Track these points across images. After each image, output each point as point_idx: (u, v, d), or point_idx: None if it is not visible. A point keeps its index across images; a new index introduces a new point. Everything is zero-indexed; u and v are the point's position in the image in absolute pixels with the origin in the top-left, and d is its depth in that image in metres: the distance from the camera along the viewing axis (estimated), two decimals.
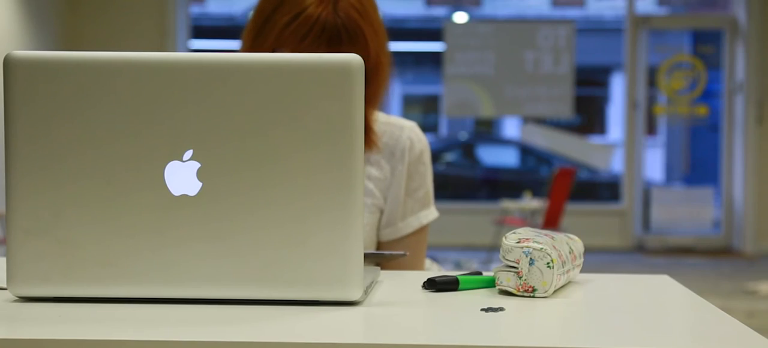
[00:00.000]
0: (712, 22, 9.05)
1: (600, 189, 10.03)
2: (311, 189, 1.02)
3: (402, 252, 1.45)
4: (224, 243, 1.02)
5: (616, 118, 11.64)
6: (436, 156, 10.48)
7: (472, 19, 10.53)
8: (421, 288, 1.17)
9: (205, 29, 11.03)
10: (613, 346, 0.85)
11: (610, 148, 11.08)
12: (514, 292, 1.13)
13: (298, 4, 1.53)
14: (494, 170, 10.90)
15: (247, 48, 1.59)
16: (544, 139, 10.74)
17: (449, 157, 11.01)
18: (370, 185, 1.64)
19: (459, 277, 1.17)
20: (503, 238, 1.18)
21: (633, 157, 8.83)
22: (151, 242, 1.03)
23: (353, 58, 1.02)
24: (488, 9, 11.22)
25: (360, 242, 1.03)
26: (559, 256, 1.16)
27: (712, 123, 9.16)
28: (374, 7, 1.60)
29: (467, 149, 11.43)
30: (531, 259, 1.13)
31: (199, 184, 1.02)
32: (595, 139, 12.29)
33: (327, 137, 1.02)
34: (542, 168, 10.67)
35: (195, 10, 9.91)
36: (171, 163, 1.02)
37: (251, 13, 1.60)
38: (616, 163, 9.97)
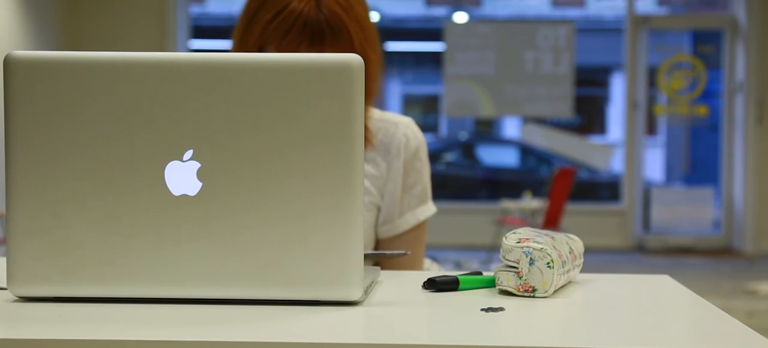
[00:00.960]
0: (712, 22, 9.05)
1: (600, 189, 10.03)
2: (311, 189, 1.02)
3: (403, 251, 1.45)
4: (224, 243, 1.02)
5: (616, 118, 11.64)
6: (436, 156, 10.48)
7: (472, 19, 10.53)
8: (421, 288, 1.17)
9: (205, 29, 11.03)
10: (613, 346, 0.85)
11: (610, 148, 11.08)
12: (514, 292, 1.13)
13: (281, 1, 1.54)
14: (494, 170, 10.90)
15: (236, 47, 1.60)
16: (544, 139, 10.74)
17: (449, 157, 11.01)
18: (367, 183, 1.64)
19: (459, 277, 1.17)
20: (503, 238, 1.18)
21: (633, 157, 8.83)
22: (151, 242, 1.03)
23: (353, 58, 1.02)
24: (488, 9, 11.22)
25: (360, 242, 1.03)
26: (559, 256, 1.16)
27: (712, 123, 9.16)
28: (361, 4, 1.60)
29: (467, 149, 11.43)
30: (531, 259, 1.13)
31: (199, 184, 1.02)
32: (595, 139, 12.29)
33: (327, 137, 1.02)
34: (542, 168, 10.67)
35: (195, 10, 9.91)
36: (171, 163, 1.02)
37: (240, 13, 1.61)
38: (616, 163, 9.97)
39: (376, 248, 1.69)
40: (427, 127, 12.12)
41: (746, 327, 0.93)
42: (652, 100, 8.95)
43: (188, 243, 1.03)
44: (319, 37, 1.53)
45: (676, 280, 1.29)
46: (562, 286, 1.18)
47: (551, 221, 6.99)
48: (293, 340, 0.86)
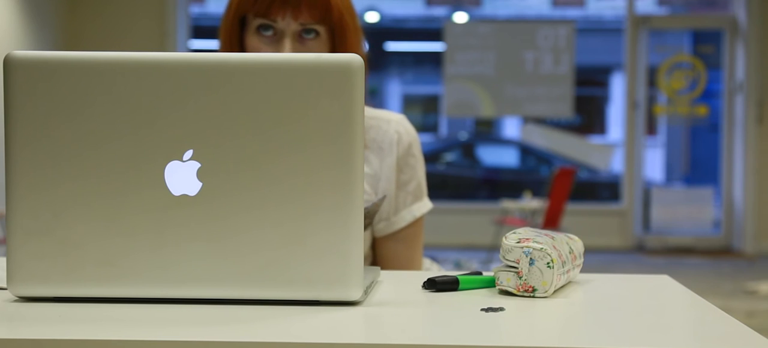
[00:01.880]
0: (712, 22, 9.05)
1: (600, 189, 10.03)
2: (311, 189, 1.02)
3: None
4: (224, 243, 1.02)
5: (616, 118, 11.64)
6: (436, 156, 10.47)
7: (472, 19, 10.53)
8: (421, 288, 1.17)
9: (205, 29, 11.03)
10: (613, 346, 0.85)
11: (610, 148, 11.08)
12: (514, 292, 1.13)
13: None
14: (494, 170, 10.90)
15: (221, 31, 1.62)
16: (544, 139, 10.74)
17: (449, 157, 11.01)
18: None
19: (459, 277, 1.17)
20: (503, 238, 1.18)
21: (633, 157, 8.83)
22: (151, 242, 1.03)
23: (353, 58, 1.02)
24: (488, 9, 11.22)
25: (360, 242, 1.03)
26: (559, 256, 1.16)
27: (712, 123, 9.16)
28: None
29: (467, 149, 11.43)
30: (531, 259, 1.13)
31: (199, 184, 1.02)
32: (595, 139, 12.29)
33: (327, 137, 1.02)
34: (542, 168, 10.67)
35: (195, 10, 9.92)
36: (171, 163, 1.02)
37: None
38: (616, 163, 9.97)
39: (372, 247, 1.68)
40: (427, 127, 12.12)
41: (746, 327, 0.93)
42: (652, 100, 8.95)
43: (188, 243, 1.03)
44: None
45: (676, 280, 1.29)
46: (562, 286, 1.18)
47: (551, 221, 6.99)
48: (293, 340, 0.86)
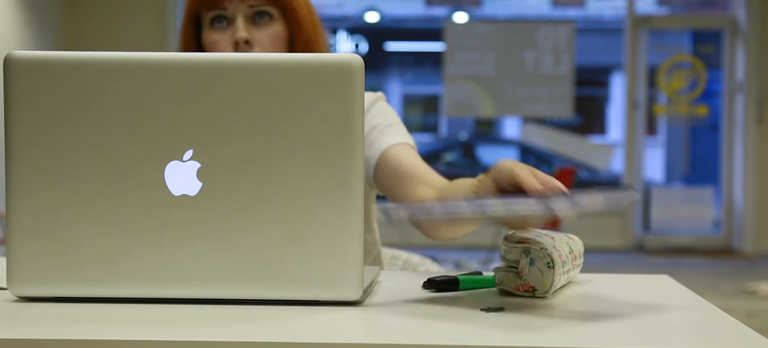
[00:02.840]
0: (712, 22, 9.05)
1: (600, 189, 10.01)
2: (311, 189, 1.02)
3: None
4: (224, 243, 1.02)
5: (616, 118, 11.64)
6: (436, 156, 10.47)
7: (472, 19, 10.53)
8: (421, 288, 1.17)
9: None
10: (613, 346, 0.85)
11: (610, 148, 11.08)
12: (514, 292, 1.13)
13: None
14: None
15: (179, 45, 1.63)
16: (544, 139, 10.74)
17: (449, 157, 11.01)
18: None
19: (459, 277, 1.17)
20: (503, 238, 1.18)
21: (633, 157, 8.83)
22: (151, 242, 1.03)
23: (353, 59, 1.02)
24: (488, 9, 11.22)
25: (360, 242, 1.03)
26: (559, 256, 1.16)
27: (712, 123, 9.17)
28: None
29: (467, 149, 11.43)
30: (531, 259, 1.13)
31: (199, 184, 1.02)
32: (595, 139, 12.29)
33: (327, 137, 1.02)
34: (542, 168, 10.63)
35: None
36: (171, 163, 1.02)
37: None
38: (616, 163, 9.97)
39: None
40: (427, 127, 12.12)
41: (746, 327, 0.93)
42: (652, 100, 8.96)
43: (188, 243, 1.03)
44: None
45: (676, 280, 1.29)
46: (562, 286, 1.18)
47: (551, 221, 6.99)
48: (293, 340, 0.86)
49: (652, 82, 8.83)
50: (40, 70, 1.03)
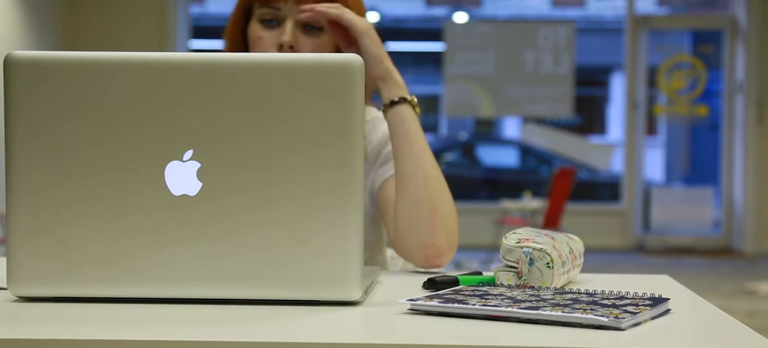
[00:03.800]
0: (712, 22, 9.05)
1: (600, 189, 10.03)
2: (311, 189, 1.02)
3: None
4: (224, 243, 1.02)
5: (616, 118, 11.64)
6: (436, 156, 10.46)
7: (472, 19, 10.54)
8: (421, 288, 1.17)
9: (205, 29, 11.04)
10: (613, 345, 0.85)
11: (610, 148, 11.08)
12: None
13: None
14: (494, 170, 10.91)
15: (226, 31, 1.61)
16: (544, 139, 10.75)
17: (449, 157, 11.01)
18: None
19: (459, 277, 1.17)
20: (503, 239, 1.18)
21: (633, 157, 8.83)
22: (151, 242, 1.03)
23: (353, 59, 1.02)
24: (488, 9, 11.23)
25: (360, 242, 1.03)
26: (559, 256, 1.16)
27: (712, 123, 9.17)
28: None
29: (467, 149, 11.43)
30: (531, 259, 1.13)
31: (199, 184, 1.02)
32: (595, 139, 12.29)
33: (327, 137, 1.02)
34: (542, 168, 10.67)
35: (195, 10, 9.92)
36: (171, 163, 1.02)
37: None
38: (616, 163, 9.97)
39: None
40: (427, 127, 12.13)
41: (746, 327, 0.93)
42: (652, 100, 8.96)
43: (188, 243, 1.03)
44: None
45: (676, 280, 1.29)
46: (562, 286, 1.18)
47: (551, 221, 7.00)
48: (293, 340, 0.86)
49: (652, 82, 8.84)
50: (40, 70, 1.03)
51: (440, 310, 0.97)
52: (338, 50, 1.57)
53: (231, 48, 1.60)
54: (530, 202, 7.53)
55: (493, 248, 7.61)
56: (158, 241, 1.03)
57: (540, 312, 0.92)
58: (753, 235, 8.39)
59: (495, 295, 1.02)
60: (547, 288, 1.10)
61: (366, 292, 1.10)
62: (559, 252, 1.16)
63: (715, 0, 9.19)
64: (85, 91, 1.02)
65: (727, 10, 8.82)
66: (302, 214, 1.02)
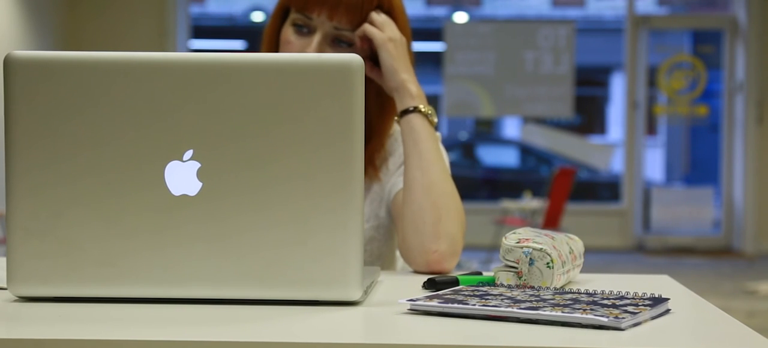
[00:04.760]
0: (712, 22, 9.05)
1: (600, 189, 10.03)
2: (311, 189, 1.02)
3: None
4: (224, 243, 1.02)
5: (616, 118, 11.64)
6: None
7: (472, 19, 10.54)
8: (421, 288, 1.17)
9: (205, 29, 11.04)
10: (613, 345, 0.85)
11: (610, 148, 11.08)
12: None
13: None
14: (494, 170, 10.91)
15: (268, 23, 1.60)
16: (544, 139, 10.75)
17: (449, 157, 10.99)
18: (368, 209, 1.59)
19: (459, 277, 1.17)
20: (503, 239, 1.18)
21: (633, 157, 8.83)
22: (151, 242, 1.03)
23: (353, 58, 1.02)
24: (488, 9, 11.22)
25: (360, 242, 1.03)
26: (559, 256, 1.16)
27: (712, 123, 9.17)
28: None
29: (467, 149, 11.43)
30: (531, 259, 1.13)
31: (199, 184, 1.02)
32: (595, 139, 12.29)
33: (327, 137, 1.02)
34: (542, 168, 10.67)
35: (195, 10, 9.92)
36: (171, 163, 1.02)
37: None
38: (616, 163, 9.97)
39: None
40: None
41: (746, 327, 0.93)
42: (652, 100, 8.96)
43: (188, 243, 1.03)
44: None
45: (676, 280, 1.29)
46: (562, 286, 1.18)
47: (551, 221, 7.00)
48: (293, 340, 0.86)
49: (652, 82, 8.84)
50: (40, 70, 1.03)
51: (440, 310, 0.97)
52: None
53: (267, 46, 1.59)
54: (530, 202, 7.53)
55: (493, 248, 7.60)
56: (158, 241, 1.03)
57: (540, 312, 0.92)
58: (753, 235, 8.39)
59: (495, 295, 1.02)
60: (547, 288, 1.10)
61: (366, 292, 1.10)
62: (559, 252, 1.16)
63: (715, 0, 9.18)
64: (85, 91, 1.02)
65: (727, 10, 8.82)
66: (302, 214, 1.02)
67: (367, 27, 1.50)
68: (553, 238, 1.19)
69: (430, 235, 1.42)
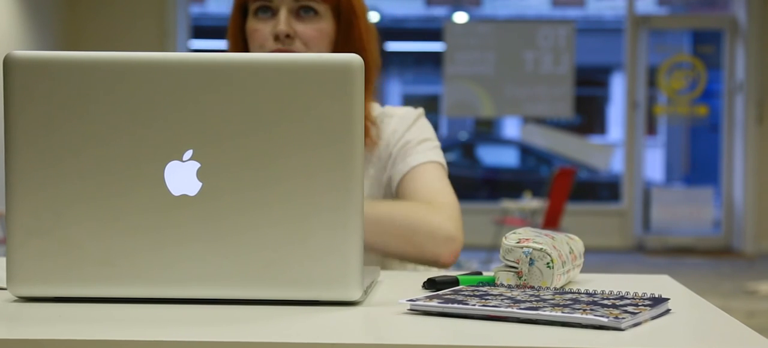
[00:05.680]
0: (712, 22, 9.05)
1: (600, 189, 10.03)
2: (311, 189, 1.02)
3: None
4: (224, 243, 1.02)
5: (616, 118, 11.64)
6: None
7: (472, 19, 10.54)
8: (421, 288, 1.17)
9: (205, 29, 11.04)
10: (613, 345, 0.85)
11: (610, 148, 11.08)
12: None
13: None
14: (494, 170, 10.91)
15: (228, 32, 1.63)
16: (544, 139, 10.74)
17: (449, 157, 10.99)
18: (367, 184, 1.63)
19: (459, 277, 1.17)
20: (503, 239, 1.18)
21: (633, 157, 8.83)
22: (151, 242, 1.03)
23: (353, 59, 1.02)
24: (488, 9, 11.22)
25: (360, 242, 1.03)
26: (559, 256, 1.16)
27: (712, 123, 9.17)
28: None
29: (467, 149, 11.43)
30: (531, 259, 1.13)
31: (199, 184, 1.02)
32: (595, 139, 12.29)
33: (327, 137, 1.02)
34: (542, 168, 10.67)
35: (195, 10, 9.92)
36: (171, 163, 1.02)
37: None
38: (616, 163, 9.97)
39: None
40: None
41: (746, 327, 0.93)
42: (652, 100, 8.96)
43: (188, 243, 1.03)
44: None
45: (676, 280, 1.29)
46: (562, 286, 1.18)
47: (551, 221, 6.99)
48: (293, 340, 0.86)
49: (652, 82, 8.83)
50: (40, 70, 1.03)
51: (440, 310, 0.97)
52: (337, 33, 1.59)
53: (233, 47, 1.62)
54: (530, 202, 7.53)
55: (493, 248, 7.60)
56: (158, 241, 1.03)
57: (540, 312, 0.92)
58: (753, 235, 8.38)
59: (495, 295, 1.02)
60: (547, 288, 1.10)
61: (366, 292, 1.10)
62: (559, 252, 1.16)
63: (715, 0, 9.18)
64: (85, 91, 1.02)
65: (727, 10, 8.82)
66: (302, 214, 1.02)
67: None
68: (553, 238, 1.19)
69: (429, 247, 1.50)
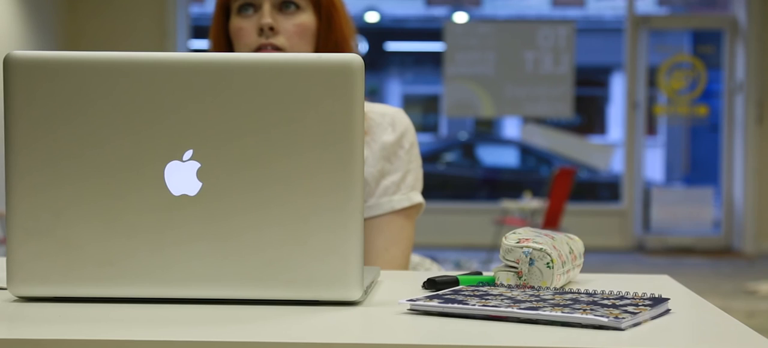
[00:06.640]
0: (712, 22, 9.05)
1: (600, 189, 10.03)
2: (311, 189, 1.02)
3: None
4: (224, 243, 1.02)
5: (616, 118, 11.64)
6: (436, 156, 10.47)
7: (472, 19, 10.53)
8: (421, 288, 1.17)
9: (205, 29, 11.04)
10: (613, 345, 0.85)
11: (610, 148, 11.08)
12: None
13: None
14: (494, 170, 10.90)
15: (210, 34, 1.65)
16: (544, 139, 10.74)
17: (449, 157, 11.01)
18: None
19: (459, 277, 1.17)
20: (503, 239, 1.18)
21: (633, 157, 8.83)
22: (151, 242, 1.03)
23: (353, 59, 1.02)
24: (488, 9, 11.22)
25: (360, 242, 1.03)
26: (559, 256, 1.16)
27: (712, 123, 9.17)
28: None
29: (467, 149, 11.43)
30: (531, 259, 1.13)
31: (199, 184, 1.02)
32: (595, 139, 12.29)
33: (327, 137, 1.02)
34: (542, 168, 10.67)
35: (195, 10, 9.91)
36: (171, 163, 1.02)
37: None
38: (616, 163, 9.97)
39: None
40: (427, 127, 12.12)
41: (746, 327, 0.93)
42: (652, 100, 8.96)
43: (188, 243, 1.03)
44: None
45: (676, 280, 1.29)
46: (562, 286, 1.18)
47: (551, 221, 6.99)
48: (293, 340, 0.86)
49: (652, 82, 8.83)
50: (40, 70, 1.03)
51: (440, 310, 0.97)
52: (318, 27, 1.62)
53: (216, 48, 1.66)
54: (530, 202, 7.53)
55: (493, 248, 7.60)
56: (158, 241, 1.03)
57: (540, 312, 0.92)
58: (753, 235, 8.38)
59: (495, 295, 1.02)
60: (547, 288, 1.10)
61: (366, 292, 1.10)
62: (559, 252, 1.16)
63: (715, 0, 9.18)
64: (85, 91, 1.02)
65: (727, 10, 8.82)
66: (302, 214, 1.02)
67: None
68: (553, 238, 1.19)
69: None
